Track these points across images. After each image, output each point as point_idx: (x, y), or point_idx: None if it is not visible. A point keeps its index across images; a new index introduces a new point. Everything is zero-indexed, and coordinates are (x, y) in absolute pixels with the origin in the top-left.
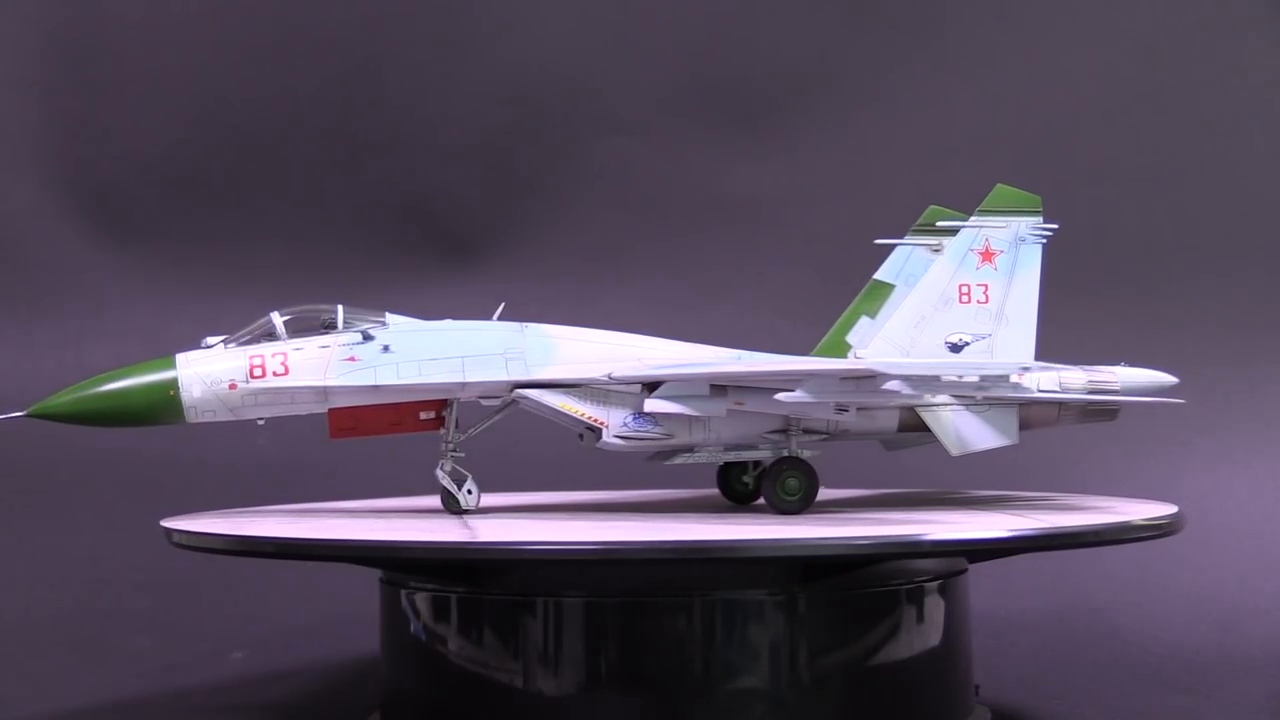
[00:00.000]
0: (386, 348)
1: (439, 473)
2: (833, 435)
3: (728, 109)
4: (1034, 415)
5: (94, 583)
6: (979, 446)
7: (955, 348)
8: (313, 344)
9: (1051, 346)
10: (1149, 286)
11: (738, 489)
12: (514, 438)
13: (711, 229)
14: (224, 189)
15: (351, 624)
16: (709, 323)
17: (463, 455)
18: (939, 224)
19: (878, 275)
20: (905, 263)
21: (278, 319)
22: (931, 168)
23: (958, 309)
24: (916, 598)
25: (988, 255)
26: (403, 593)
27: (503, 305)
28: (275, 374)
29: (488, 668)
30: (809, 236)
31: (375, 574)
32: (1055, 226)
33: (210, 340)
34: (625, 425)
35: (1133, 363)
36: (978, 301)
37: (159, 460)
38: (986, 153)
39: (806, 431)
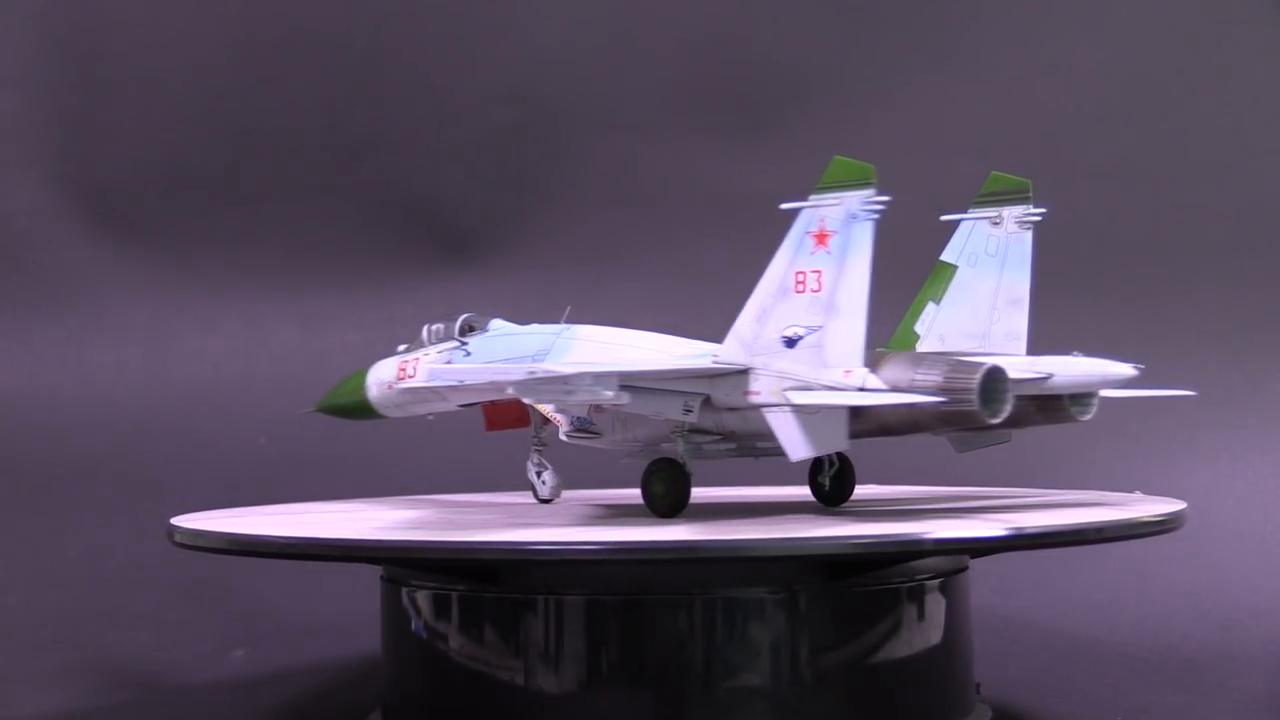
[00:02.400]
0: (468, 352)
1: (528, 464)
2: (731, 438)
3: (728, 107)
4: (892, 421)
5: (96, 581)
6: (811, 452)
7: (790, 342)
8: (434, 350)
9: (1051, 345)
10: (1150, 284)
11: (818, 490)
12: (517, 437)
13: (712, 227)
14: (224, 187)
15: (352, 622)
16: (709, 321)
17: (544, 448)
18: (782, 206)
19: (943, 256)
20: (967, 240)
21: (426, 330)
22: (933, 165)
23: (794, 299)
24: (917, 596)
25: (822, 238)
26: (404, 591)
27: (569, 308)
28: (409, 376)
29: (489, 666)
30: None
31: (376, 572)
32: (888, 199)
33: (400, 347)
34: (571, 424)
35: (1093, 353)
36: (811, 290)
37: (161, 459)
38: (987, 150)
39: (699, 432)
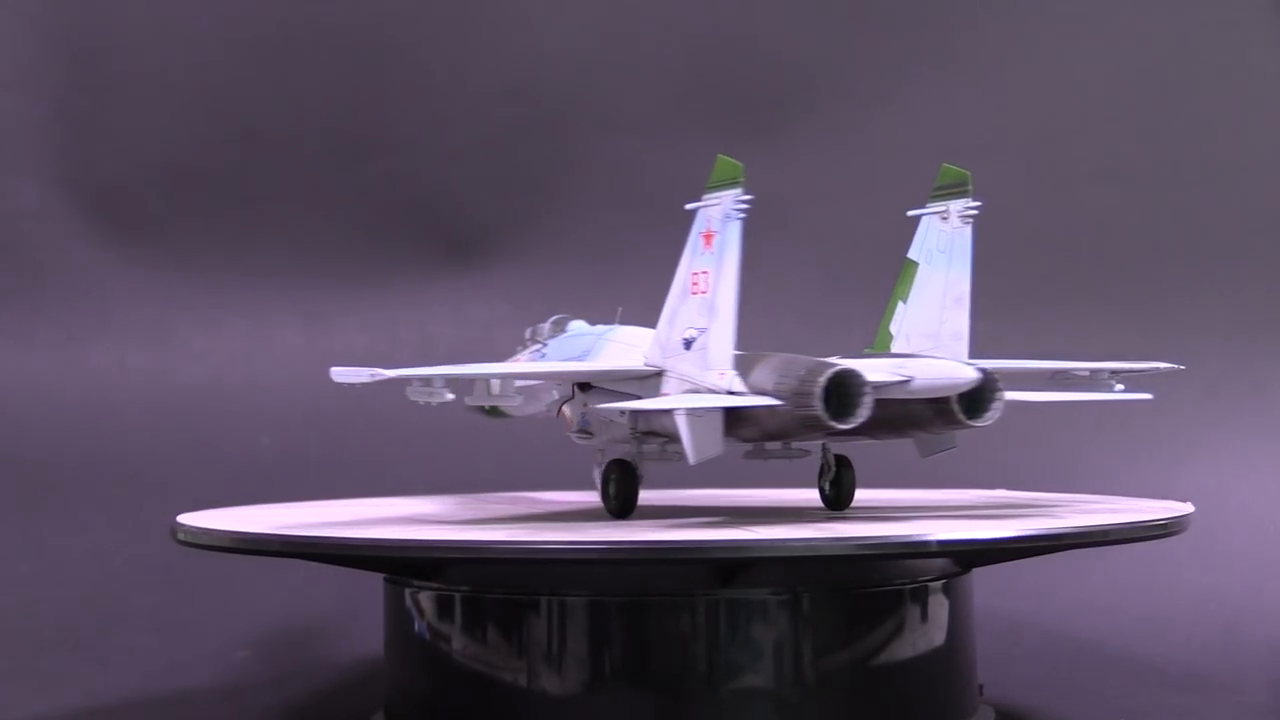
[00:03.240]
0: (544, 354)
1: (594, 468)
2: (673, 439)
3: (732, 108)
4: (771, 426)
5: (98, 581)
6: (699, 456)
7: (687, 344)
8: (527, 350)
9: (1056, 345)
10: (1153, 285)
11: (823, 495)
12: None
13: None
14: (228, 187)
15: (355, 623)
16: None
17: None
18: (687, 206)
19: (909, 253)
20: (925, 236)
21: (529, 330)
22: (936, 167)
23: (690, 300)
24: (920, 597)
25: (708, 238)
26: (406, 592)
27: (620, 309)
28: None
29: (491, 667)
30: (814, 235)
31: (379, 573)
32: (750, 198)
33: (518, 347)
34: (577, 424)
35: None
36: (700, 291)
37: (164, 459)
38: (992, 152)
39: (652, 435)
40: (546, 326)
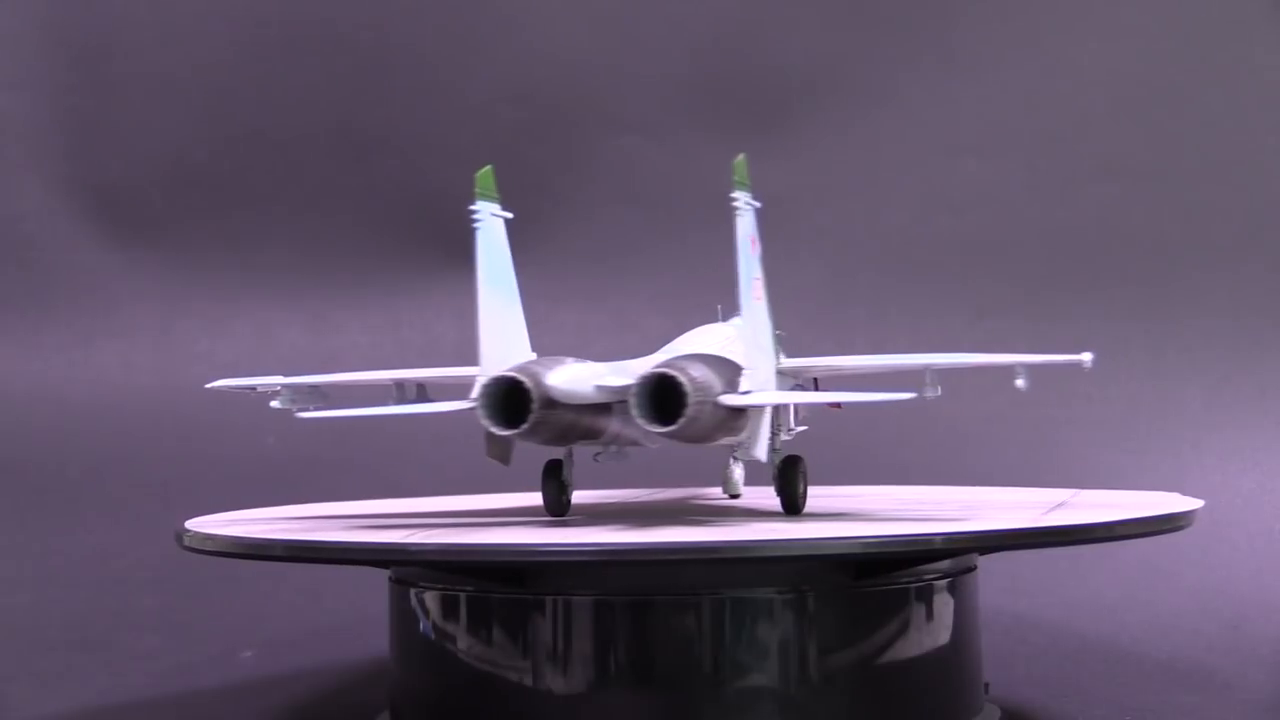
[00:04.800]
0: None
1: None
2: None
3: (736, 107)
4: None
5: (103, 582)
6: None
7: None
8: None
9: (1060, 345)
10: (1158, 284)
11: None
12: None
13: (720, 228)
14: (233, 188)
15: (361, 623)
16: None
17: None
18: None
19: None
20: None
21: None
22: (940, 165)
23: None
24: (925, 595)
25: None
26: (412, 592)
27: (720, 307)
28: None
29: (497, 666)
30: (818, 235)
31: (384, 573)
32: (509, 216)
33: None
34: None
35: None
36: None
37: (169, 459)
38: (995, 150)
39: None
40: None
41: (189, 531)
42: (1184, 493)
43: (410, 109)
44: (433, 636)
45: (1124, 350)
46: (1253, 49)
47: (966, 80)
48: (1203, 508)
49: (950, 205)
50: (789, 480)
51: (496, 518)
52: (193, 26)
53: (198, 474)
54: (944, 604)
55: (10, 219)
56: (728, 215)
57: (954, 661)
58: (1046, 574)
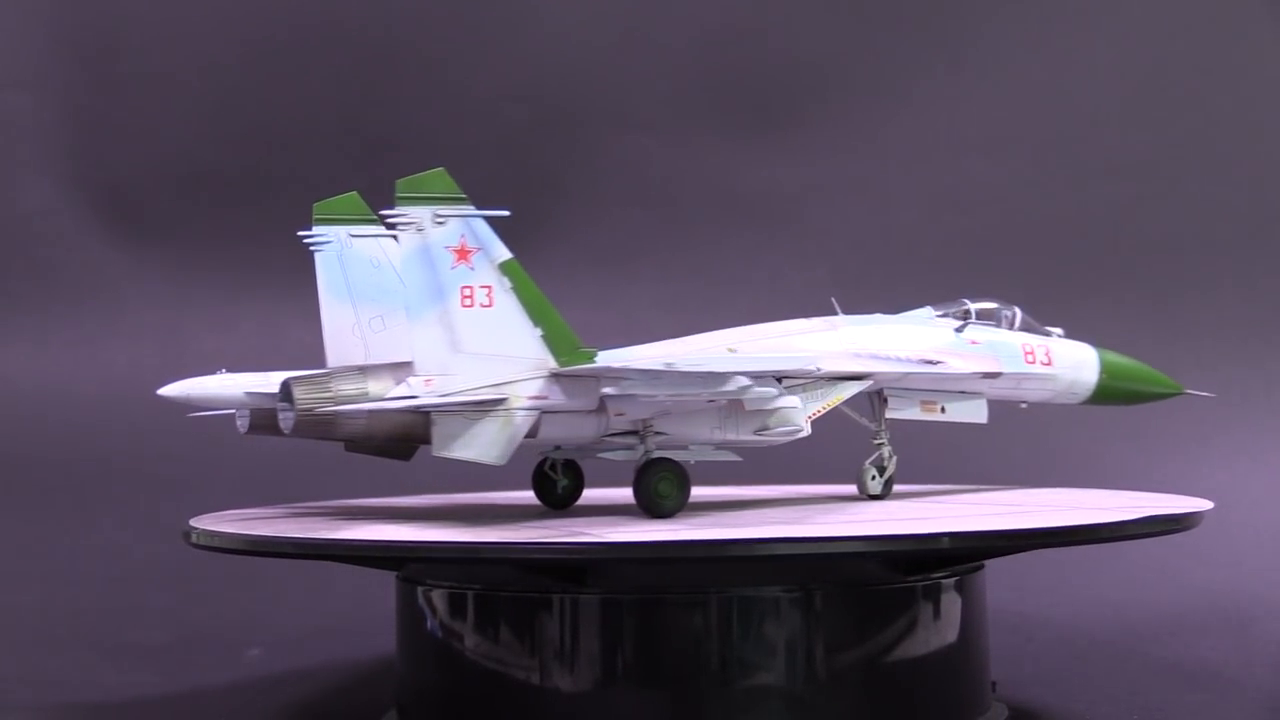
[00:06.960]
0: None
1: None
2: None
3: (744, 107)
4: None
5: (112, 580)
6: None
7: None
8: None
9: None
10: (1167, 282)
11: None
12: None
13: (727, 226)
14: (240, 187)
15: (368, 621)
16: (725, 318)
17: (878, 443)
18: None
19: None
20: None
21: None
22: (948, 165)
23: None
24: (933, 594)
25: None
26: (419, 590)
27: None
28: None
29: (504, 664)
30: (824, 233)
31: (391, 572)
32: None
33: None
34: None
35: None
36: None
37: (176, 457)
38: (1002, 150)
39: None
40: None
41: (197, 529)
42: (1192, 493)
43: (417, 107)
44: (439, 634)
45: (1132, 349)
46: (1261, 49)
47: (976, 80)
48: (1211, 508)
49: (959, 204)
50: (644, 484)
51: (496, 517)
52: (199, 27)
53: (205, 471)
54: (951, 602)
55: (19, 218)
56: (736, 212)
57: (961, 660)
58: (1054, 573)
